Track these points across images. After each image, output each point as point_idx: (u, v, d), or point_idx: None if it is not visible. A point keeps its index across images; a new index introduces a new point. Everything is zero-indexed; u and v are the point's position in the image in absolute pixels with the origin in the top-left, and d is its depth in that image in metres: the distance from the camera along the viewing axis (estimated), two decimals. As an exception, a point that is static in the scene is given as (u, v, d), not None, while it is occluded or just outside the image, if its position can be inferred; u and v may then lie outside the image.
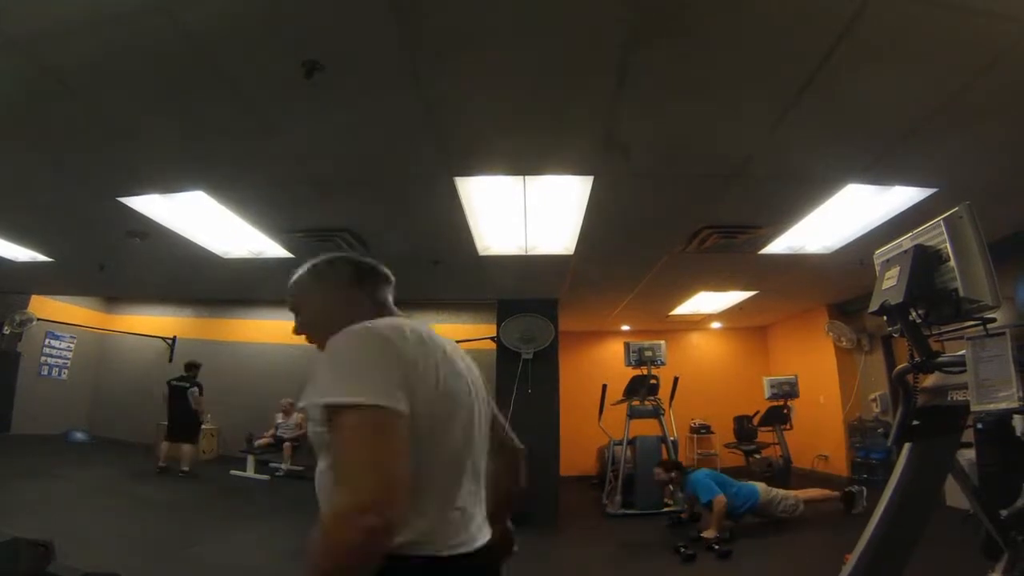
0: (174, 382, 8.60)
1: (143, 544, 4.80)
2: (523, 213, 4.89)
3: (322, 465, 1.23)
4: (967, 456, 2.99)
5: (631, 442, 7.51)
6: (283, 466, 9.00)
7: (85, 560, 3.66)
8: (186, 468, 8.05)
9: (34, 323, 9.50)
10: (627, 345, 8.04)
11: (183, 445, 8.18)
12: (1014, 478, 2.54)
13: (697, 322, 10.89)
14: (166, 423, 8.47)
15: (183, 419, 8.36)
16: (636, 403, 7.73)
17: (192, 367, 8.84)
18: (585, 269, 6.43)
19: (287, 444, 9.17)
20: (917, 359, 2.23)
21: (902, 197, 4.45)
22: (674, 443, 7.71)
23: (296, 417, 9.52)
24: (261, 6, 2.46)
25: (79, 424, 10.42)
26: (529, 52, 2.76)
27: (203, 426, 9.56)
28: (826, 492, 6.81)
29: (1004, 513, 2.37)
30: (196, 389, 8.54)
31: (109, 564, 3.81)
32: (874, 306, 2.29)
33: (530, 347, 7.32)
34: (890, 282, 2.22)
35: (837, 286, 7.92)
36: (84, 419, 10.65)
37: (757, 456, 9.42)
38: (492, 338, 7.75)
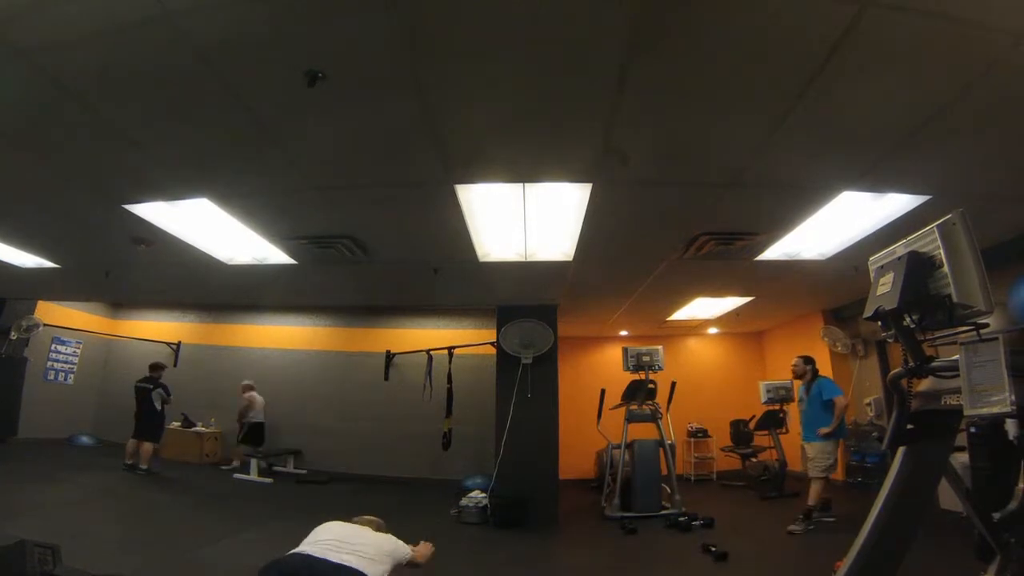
0: (139, 383, 8.72)
1: (148, 546, 4.81)
2: (523, 220, 4.93)
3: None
4: (960, 459, 3.03)
5: (629, 446, 7.53)
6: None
7: (91, 563, 3.69)
8: (144, 466, 8.13)
9: (40, 328, 9.51)
10: (625, 350, 8.06)
11: (144, 443, 8.27)
12: (1006, 481, 2.58)
13: (694, 327, 10.93)
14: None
15: (146, 419, 8.47)
16: (634, 407, 7.75)
17: (156, 368, 8.96)
18: (584, 275, 6.48)
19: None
20: (911, 364, 2.27)
21: (896, 204, 4.50)
22: (672, 446, 7.73)
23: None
24: (264, 17, 2.51)
25: (84, 428, 10.45)
26: (529, 61, 2.81)
27: (201, 429, 9.63)
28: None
29: (997, 516, 2.40)
30: (161, 390, 8.65)
31: (115, 567, 3.85)
32: (869, 312, 2.32)
33: (530, 352, 7.35)
34: (884, 288, 2.25)
35: (832, 292, 7.98)
36: (89, 423, 10.68)
37: (753, 460, 9.49)
38: (492, 343, 7.79)
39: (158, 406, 8.59)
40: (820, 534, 5.81)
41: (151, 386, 8.63)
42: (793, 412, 8.69)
